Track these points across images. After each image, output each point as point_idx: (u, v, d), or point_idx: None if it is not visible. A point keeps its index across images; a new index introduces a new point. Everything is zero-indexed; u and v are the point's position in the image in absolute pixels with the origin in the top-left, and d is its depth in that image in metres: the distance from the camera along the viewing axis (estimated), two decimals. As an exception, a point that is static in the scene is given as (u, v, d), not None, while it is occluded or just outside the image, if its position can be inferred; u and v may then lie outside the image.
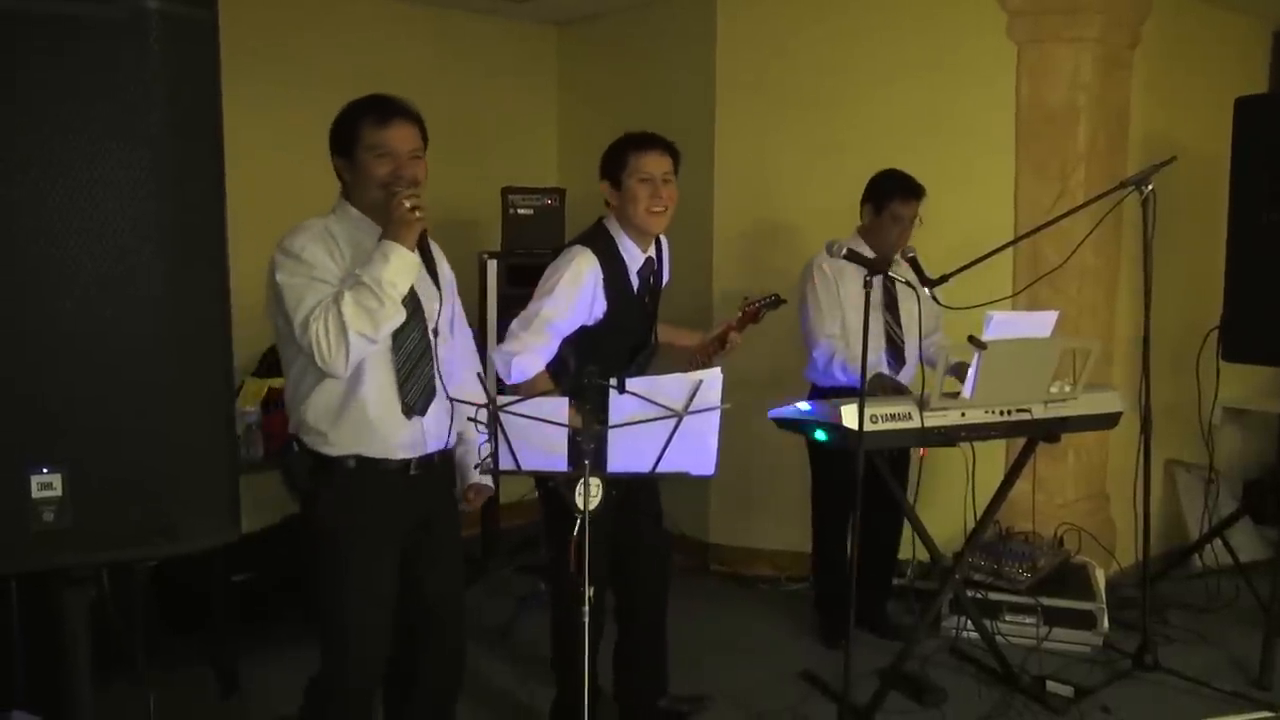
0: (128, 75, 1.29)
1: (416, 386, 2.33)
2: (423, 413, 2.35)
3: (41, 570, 1.32)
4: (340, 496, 2.33)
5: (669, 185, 2.81)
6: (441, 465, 2.46)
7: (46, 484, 1.26)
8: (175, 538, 1.32)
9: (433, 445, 2.39)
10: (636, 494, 2.85)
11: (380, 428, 2.30)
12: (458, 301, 2.59)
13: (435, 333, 2.38)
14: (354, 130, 2.29)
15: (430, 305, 2.38)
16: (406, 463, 2.35)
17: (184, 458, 1.33)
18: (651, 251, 2.91)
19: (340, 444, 2.30)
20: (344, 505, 2.33)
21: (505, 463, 2.25)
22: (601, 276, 2.76)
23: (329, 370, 2.19)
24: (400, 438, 2.33)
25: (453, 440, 2.48)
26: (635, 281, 2.87)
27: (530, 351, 2.69)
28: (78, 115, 1.27)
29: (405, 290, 2.21)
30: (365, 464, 2.31)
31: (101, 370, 1.28)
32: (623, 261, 2.83)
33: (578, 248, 2.81)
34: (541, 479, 2.79)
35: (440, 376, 2.38)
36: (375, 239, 2.23)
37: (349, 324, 2.13)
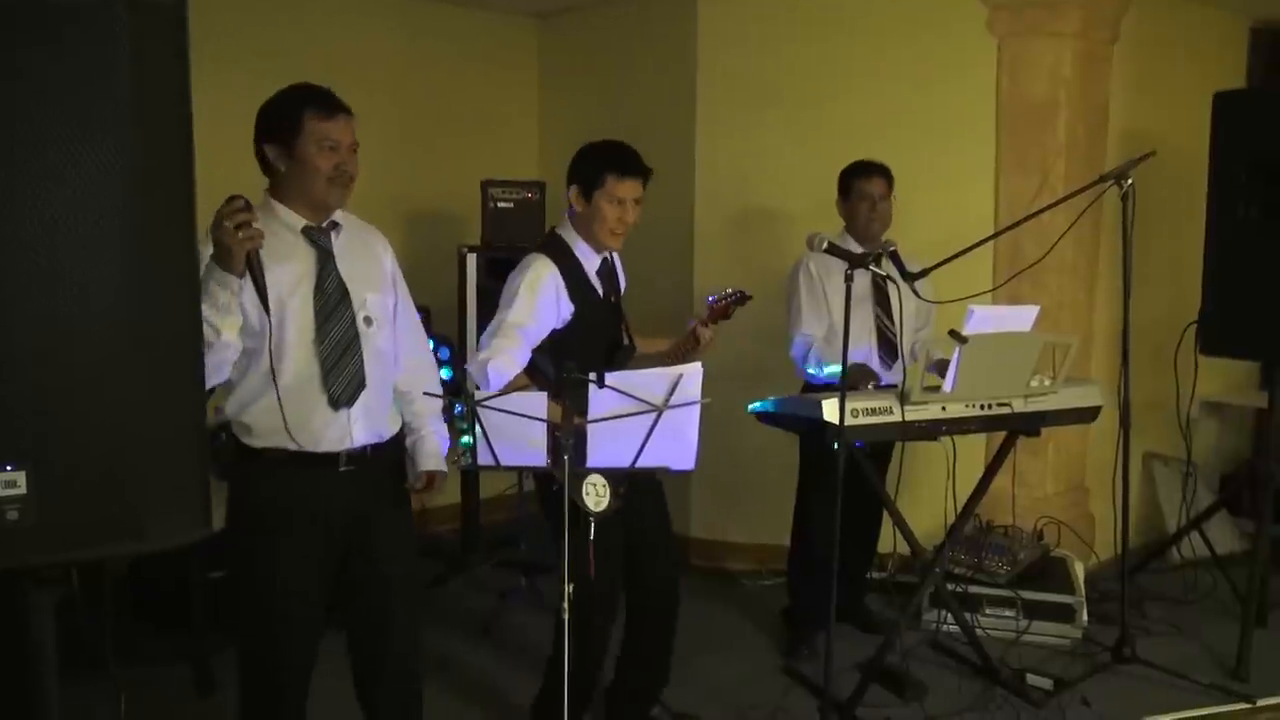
0: (95, 65, 1.26)
1: (343, 377, 2.28)
2: (350, 404, 2.29)
3: (6, 569, 1.30)
4: (264, 489, 2.28)
5: (636, 207, 2.82)
6: (376, 461, 2.39)
7: (10, 482, 1.23)
8: (143, 535, 1.30)
9: (362, 438, 2.34)
10: (643, 497, 2.83)
11: (302, 419, 2.24)
12: (403, 293, 2.53)
13: (368, 321, 2.34)
14: (296, 119, 2.23)
15: (361, 294, 2.33)
16: (334, 456, 2.30)
17: (152, 454, 1.30)
18: (607, 253, 2.91)
19: (261, 435, 2.26)
20: (268, 498, 2.28)
21: (484, 458, 2.24)
22: (562, 280, 2.76)
23: None
24: (324, 430, 2.28)
25: (389, 434, 2.43)
26: (597, 283, 2.86)
27: (503, 354, 2.66)
28: (42, 105, 1.24)
29: (234, 310, 2.11)
30: (288, 457, 2.26)
31: (66, 365, 1.25)
32: (580, 264, 2.83)
33: (533, 255, 2.81)
34: (545, 482, 2.74)
35: (371, 368, 2.33)
36: (296, 234, 2.27)
37: None
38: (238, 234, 2.02)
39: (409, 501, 2.53)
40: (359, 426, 2.32)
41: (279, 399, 2.20)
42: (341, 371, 2.28)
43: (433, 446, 2.55)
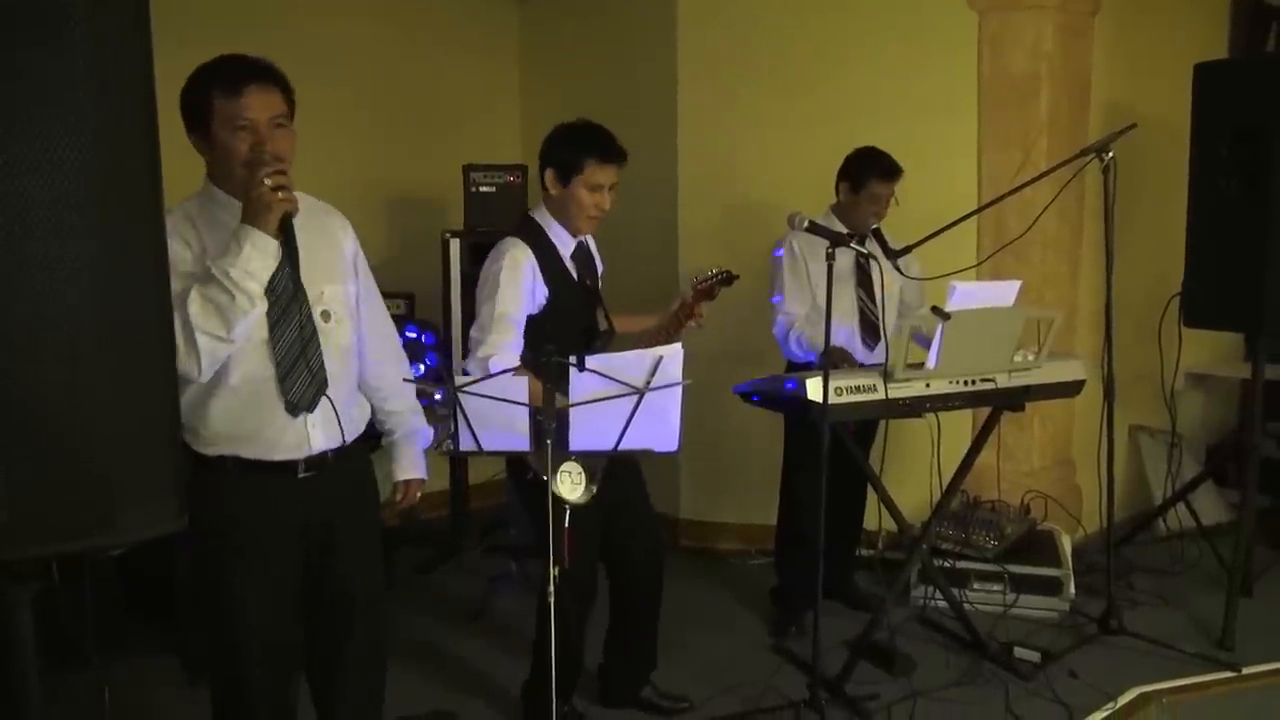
0: (51, 47, 1.24)
1: (301, 381, 2.10)
2: (310, 409, 2.12)
3: (-21, 566, 1.29)
4: (218, 499, 2.09)
5: (613, 193, 2.80)
6: (338, 466, 2.21)
7: (-19, 477, 1.22)
8: (115, 529, 1.28)
9: (322, 444, 2.16)
10: (623, 482, 2.83)
11: (255, 426, 2.09)
12: (366, 281, 2.34)
13: (326, 316, 2.15)
14: (204, 102, 2.00)
15: (318, 287, 2.14)
16: (292, 464, 2.14)
17: (123, 446, 1.28)
18: (583, 236, 2.89)
19: (213, 442, 2.10)
20: (223, 508, 2.10)
21: (466, 444, 2.23)
22: (537, 264, 2.73)
23: (184, 375, 1.95)
24: (280, 438, 2.11)
25: (353, 435, 2.25)
26: (571, 267, 2.84)
27: (502, 350, 2.63)
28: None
29: (264, 280, 1.98)
30: (243, 465, 2.11)
31: (34, 357, 1.23)
32: (555, 248, 2.80)
33: (508, 240, 2.77)
34: (521, 471, 2.71)
35: (332, 366, 2.16)
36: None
37: (195, 324, 1.93)
38: (276, 194, 1.93)
39: (376, 503, 2.38)
40: (318, 432, 2.15)
41: (229, 402, 2.07)
42: (299, 375, 2.09)
43: (413, 451, 2.43)
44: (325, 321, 2.15)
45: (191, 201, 2.11)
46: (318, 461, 2.17)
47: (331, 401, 2.16)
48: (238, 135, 2.00)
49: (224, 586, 2.13)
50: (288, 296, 2.07)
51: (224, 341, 1.98)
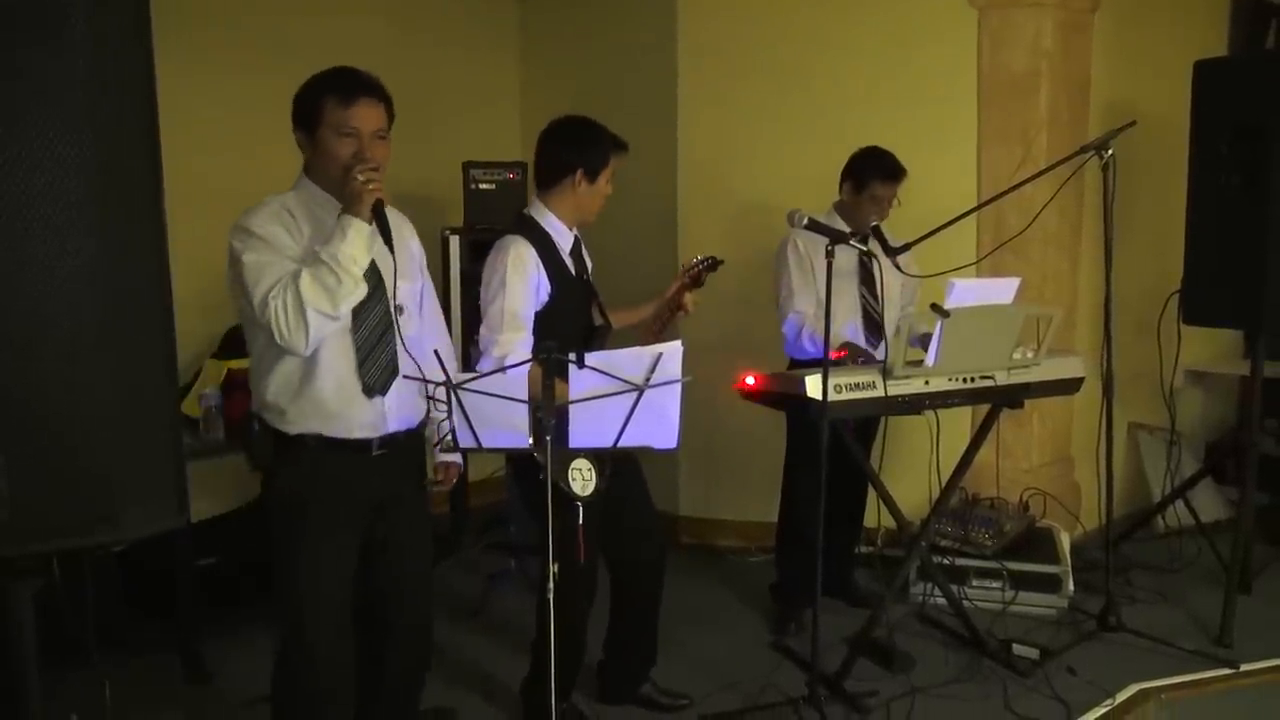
0: (51, 47, 1.25)
1: (377, 366, 2.31)
2: (383, 392, 2.33)
3: (-19, 562, 1.29)
4: (300, 474, 2.32)
5: None
6: (407, 444, 2.44)
7: (-17, 474, 1.22)
8: (118, 525, 1.29)
9: (395, 425, 2.37)
10: (624, 479, 2.82)
11: (338, 407, 2.29)
12: (428, 279, 2.57)
13: (399, 309, 2.36)
14: (317, 106, 2.25)
15: (393, 282, 2.35)
16: (368, 442, 2.34)
17: (125, 443, 1.30)
18: (577, 231, 2.91)
19: (299, 422, 2.30)
20: (304, 483, 2.31)
21: (465, 440, 2.23)
22: (540, 260, 2.75)
23: (289, 348, 2.19)
24: (360, 417, 2.32)
25: (418, 418, 2.47)
26: (570, 262, 2.85)
27: (516, 348, 2.64)
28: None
29: (365, 264, 2.19)
30: (325, 442, 2.31)
31: (36, 355, 1.24)
32: (554, 243, 2.82)
33: (509, 237, 2.78)
34: (527, 469, 2.70)
35: (404, 355, 2.35)
36: (336, 215, 2.22)
37: (307, 301, 2.13)
38: (367, 185, 2.16)
39: (426, 495, 2.57)
40: (393, 414, 2.35)
41: (316, 384, 2.26)
42: (376, 359, 2.31)
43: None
44: (399, 314, 2.36)
45: (288, 195, 2.32)
46: (389, 441, 2.37)
47: (401, 386, 2.35)
48: (342, 140, 2.24)
49: (302, 555, 2.31)
50: (370, 286, 2.26)
51: (330, 319, 2.18)
